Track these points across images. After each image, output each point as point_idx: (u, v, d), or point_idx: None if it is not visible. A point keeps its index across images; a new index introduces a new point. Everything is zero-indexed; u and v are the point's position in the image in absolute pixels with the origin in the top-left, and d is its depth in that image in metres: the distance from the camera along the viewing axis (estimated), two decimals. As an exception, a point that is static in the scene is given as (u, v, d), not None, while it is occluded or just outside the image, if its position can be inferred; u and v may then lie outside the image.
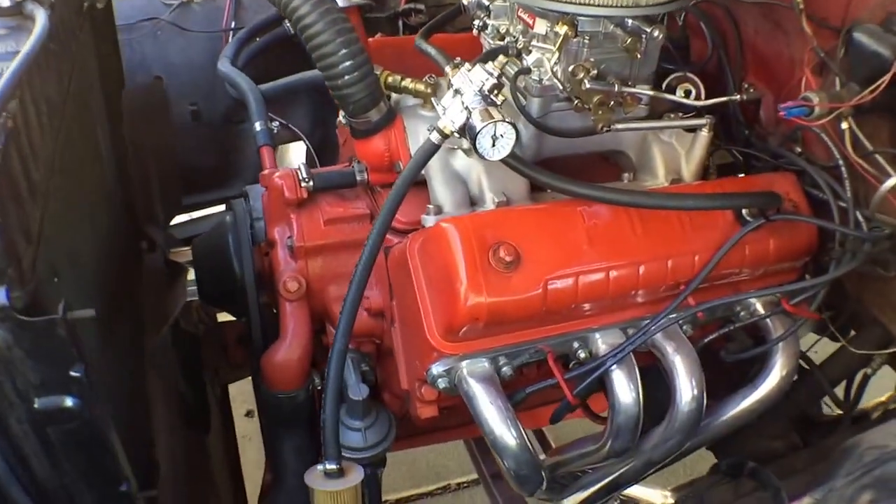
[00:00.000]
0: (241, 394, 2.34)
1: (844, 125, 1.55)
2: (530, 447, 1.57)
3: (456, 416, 1.82)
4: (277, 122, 1.95)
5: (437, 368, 1.59)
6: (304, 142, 2.21)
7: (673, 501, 2.08)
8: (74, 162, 1.63)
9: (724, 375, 1.93)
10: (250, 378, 2.39)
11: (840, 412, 2.03)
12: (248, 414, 3.02)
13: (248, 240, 1.79)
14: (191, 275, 1.86)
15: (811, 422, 1.99)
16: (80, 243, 1.65)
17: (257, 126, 1.96)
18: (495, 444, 1.56)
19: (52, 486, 1.35)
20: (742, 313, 1.77)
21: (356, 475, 1.52)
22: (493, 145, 1.46)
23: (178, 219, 2.38)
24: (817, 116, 1.55)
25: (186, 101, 2.35)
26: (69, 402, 1.26)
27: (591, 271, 1.57)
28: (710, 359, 1.73)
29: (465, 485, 3.10)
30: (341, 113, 1.72)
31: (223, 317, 2.28)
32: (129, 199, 2.04)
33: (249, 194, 1.89)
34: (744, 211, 1.66)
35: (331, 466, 1.50)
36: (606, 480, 1.84)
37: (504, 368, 1.61)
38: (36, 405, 1.25)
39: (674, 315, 1.65)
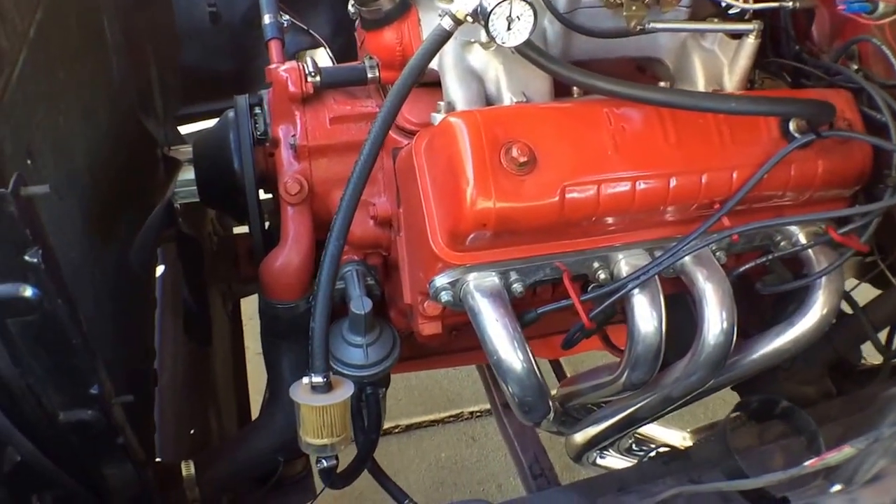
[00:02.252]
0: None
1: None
2: (537, 372, 1.40)
3: (466, 338, 1.67)
4: (288, 17, 1.77)
5: (440, 280, 1.42)
6: (325, 48, 2.03)
7: (691, 443, 1.91)
8: (60, 43, 1.48)
9: (755, 313, 1.75)
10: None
11: (879, 362, 1.83)
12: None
13: (248, 136, 1.62)
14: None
15: (847, 369, 1.78)
16: (70, 132, 1.50)
17: (266, 18, 1.78)
18: (499, 365, 1.39)
19: (16, 385, 1.21)
20: (782, 242, 1.57)
21: (345, 390, 1.36)
22: (509, 28, 1.28)
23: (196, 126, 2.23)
24: (882, 14, 1.33)
25: (205, 3, 2.19)
26: (27, 291, 1.12)
27: (616, 181, 1.37)
28: (743, 294, 1.53)
29: (479, 414, 2.95)
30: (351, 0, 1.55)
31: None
32: (144, 100, 1.89)
33: (264, 97, 1.73)
34: (791, 126, 1.45)
35: (317, 379, 1.35)
36: (621, 416, 1.67)
37: (515, 285, 1.43)
38: (-9, 300, 1.11)
39: (707, 237, 1.46)
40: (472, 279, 1.41)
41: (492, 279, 1.42)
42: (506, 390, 1.42)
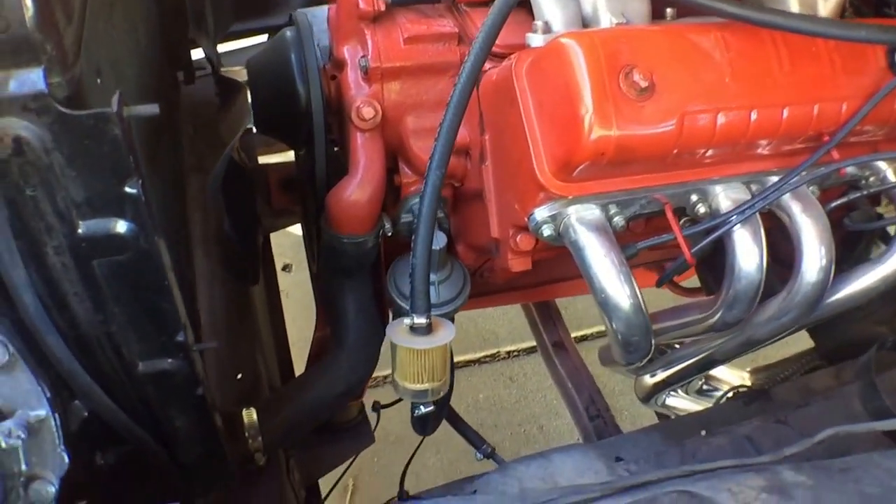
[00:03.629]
0: (277, 246, 2.06)
1: None
2: (645, 310, 1.32)
3: (532, 274, 1.58)
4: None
5: (541, 213, 1.31)
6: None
7: (751, 383, 1.86)
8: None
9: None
10: (287, 229, 2.13)
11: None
12: (286, 268, 2.75)
13: (314, 56, 1.48)
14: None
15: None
16: (120, 48, 1.34)
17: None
18: (606, 303, 1.30)
19: (94, 333, 1.07)
20: (871, 179, 1.51)
21: (446, 332, 1.26)
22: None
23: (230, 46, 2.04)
24: None
25: None
26: (121, 226, 0.98)
27: (732, 108, 1.28)
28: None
29: (516, 353, 2.85)
30: None
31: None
32: (166, 22, 1.71)
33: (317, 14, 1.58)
34: (896, 58, 1.38)
35: (420, 321, 1.24)
36: (698, 357, 1.61)
37: (616, 218, 1.34)
38: (80, 230, 0.96)
39: (814, 171, 1.38)
40: (575, 212, 1.31)
41: (594, 212, 1.32)
42: (609, 328, 1.33)
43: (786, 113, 1.32)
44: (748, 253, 1.36)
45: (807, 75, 1.34)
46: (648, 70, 1.22)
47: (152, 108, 0.92)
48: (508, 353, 2.88)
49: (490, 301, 1.78)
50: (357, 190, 1.46)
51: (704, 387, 1.78)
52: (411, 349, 1.24)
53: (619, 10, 1.37)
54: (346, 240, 1.49)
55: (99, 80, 1.09)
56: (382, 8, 1.45)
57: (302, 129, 1.50)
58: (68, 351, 0.99)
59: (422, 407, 1.36)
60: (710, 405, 1.73)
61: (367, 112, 1.43)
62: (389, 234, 1.51)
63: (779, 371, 1.83)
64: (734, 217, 1.35)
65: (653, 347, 1.37)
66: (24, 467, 0.87)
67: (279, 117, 1.52)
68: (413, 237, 1.25)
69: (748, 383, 1.86)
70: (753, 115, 1.30)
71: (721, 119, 1.28)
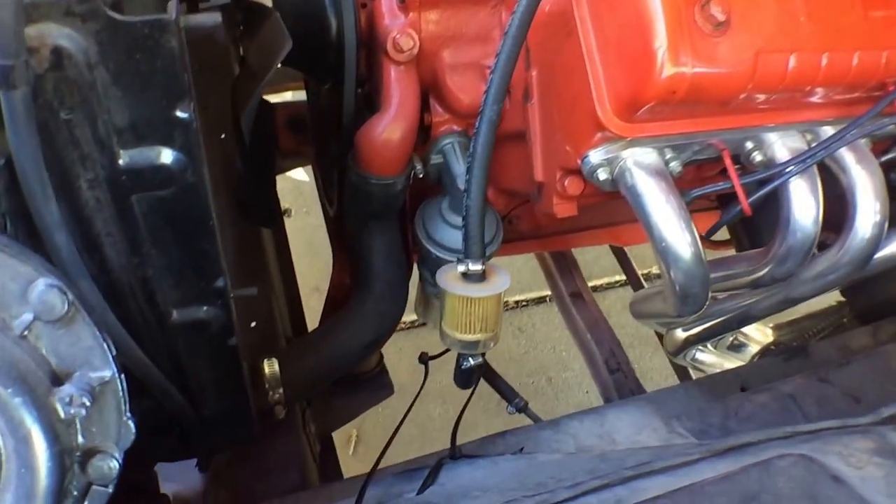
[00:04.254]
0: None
1: None
2: (705, 260, 1.23)
3: (556, 222, 1.48)
4: None
5: (596, 155, 1.21)
6: None
7: (773, 339, 1.80)
8: None
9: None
10: (286, 174, 1.99)
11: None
12: (285, 213, 2.60)
13: (349, -20, 1.34)
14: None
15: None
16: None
17: None
18: (666, 251, 1.21)
19: (127, 279, 0.95)
20: (921, 137, 1.44)
21: (501, 281, 1.16)
22: None
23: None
24: None
25: None
26: (167, 157, 0.85)
27: (805, 50, 1.19)
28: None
29: (524, 304, 2.74)
30: None
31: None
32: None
33: None
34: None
35: (474, 267, 1.13)
36: (735, 312, 1.53)
37: (672, 163, 1.24)
38: (121, 161, 0.83)
39: (877, 121, 1.30)
40: (632, 155, 1.21)
41: (652, 155, 1.22)
42: (667, 279, 1.24)
43: (856, 59, 1.23)
44: (805, 205, 1.28)
45: (880, 20, 1.24)
46: (726, 2, 1.12)
47: (214, 17, 0.79)
48: (517, 302, 2.77)
49: (515, 249, 1.68)
50: (389, 128, 1.34)
51: (735, 342, 1.72)
52: (464, 297, 1.14)
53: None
54: (374, 181, 1.37)
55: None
56: (422, -72, 1.32)
57: (330, 62, 1.36)
58: (102, 298, 0.87)
59: (470, 359, 1.26)
60: (740, 362, 1.66)
61: (406, 43, 1.30)
62: (420, 175, 1.40)
63: (804, 327, 1.77)
64: (792, 167, 1.27)
65: (708, 299, 1.29)
66: (81, 439, 0.74)
67: (306, 48, 1.38)
68: (467, 177, 1.14)
69: (772, 339, 1.80)
70: (824, 60, 1.21)
71: (793, 62, 1.18)
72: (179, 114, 0.81)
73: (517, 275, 2.71)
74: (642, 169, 1.21)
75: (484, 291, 1.14)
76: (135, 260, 0.92)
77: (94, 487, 0.77)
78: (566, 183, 1.28)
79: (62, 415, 0.70)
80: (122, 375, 0.77)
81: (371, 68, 1.39)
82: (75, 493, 0.75)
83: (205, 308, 1.04)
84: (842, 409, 1.38)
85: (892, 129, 1.36)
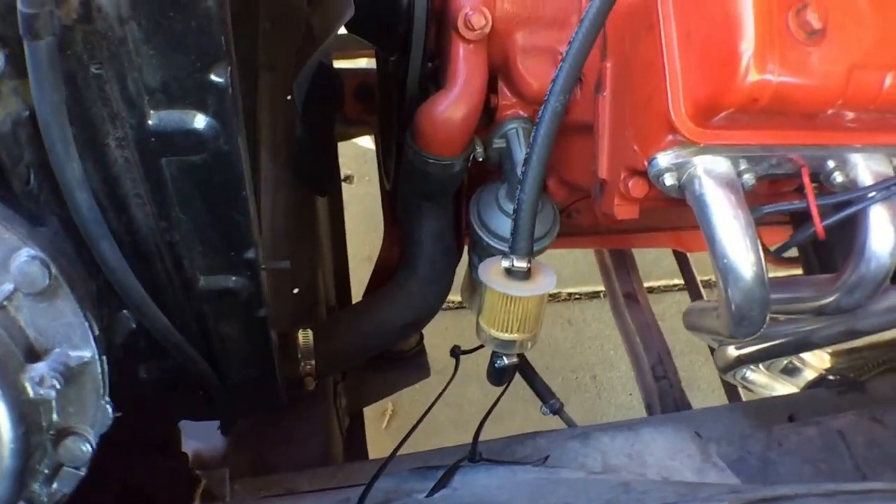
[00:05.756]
0: (340, 157, 1.86)
1: None
2: (767, 282, 1.12)
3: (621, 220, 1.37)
4: None
5: (665, 158, 1.10)
6: None
7: (830, 365, 1.67)
8: None
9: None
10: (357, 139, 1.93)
11: None
12: (346, 179, 2.54)
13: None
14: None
15: None
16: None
17: None
18: (727, 269, 1.10)
19: (154, 242, 0.88)
20: None
21: (547, 280, 1.07)
22: None
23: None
24: None
25: None
26: (200, 121, 0.78)
27: (905, 68, 1.06)
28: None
29: (578, 297, 2.62)
30: None
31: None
32: None
33: None
34: None
35: (520, 264, 1.05)
36: (796, 337, 1.41)
37: (746, 175, 1.13)
38: (150, 122, 0.76)
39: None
40: (702, 163, 1.10)
41: (724, 164, 1.11)
42: (724, 297, 1.13)
43: (965, 81, 1.10)
44: (883, 234, 1.16)
45: None
46: (823, 9, 1.00)
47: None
48: (570, 294, 2.64)
49: (571, 243, 1.58)
50: (452, 107, 1.25)
51: (790, 366, 1.59)
52: (505, 295, 1.05)
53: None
54: (432, 160, 1.29)
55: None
56: None
57: (399, 33, 1.28)
58: (123, 259, 0.81)
59: (504, 358, 1.17)
60: (793, 386, 1.54)
61: (477, 20, 1.21)
62: (480, 159, 1.31)
63: (866, 358, 1.63)
64: (874, 193, 1.14)
65: (766, 323, 1.18)
66: (55, 418, 0.69)
67: (374, 17, 1.30)
68: (523, 168, 1.05)
69: (828, 365, 1.67)
70: (924, 79, 1.07)
71: (889, 80, 1.05)
72: (214, 78, 0.74)
73: (574, 266, 2.58)
74: (712, 178, 1.10)
75: (527, 291, 1.05)
76: (163, 224, 0.86)
77: (65, 468, 0.71)
78: (630, 184, 1.18)
79: (31, 394, 0.64)
80: (104, 357, 0.71)
81: (440, 43, 1.30)
82: (46, 471, 0.70)
83: (233, 278, 0.98)
84: (892, 453, 1.26)
85: None
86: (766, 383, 1.61)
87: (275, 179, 1.55)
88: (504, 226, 1.32)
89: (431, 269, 1.36)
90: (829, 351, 1.72)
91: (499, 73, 1.32)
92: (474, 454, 1.05)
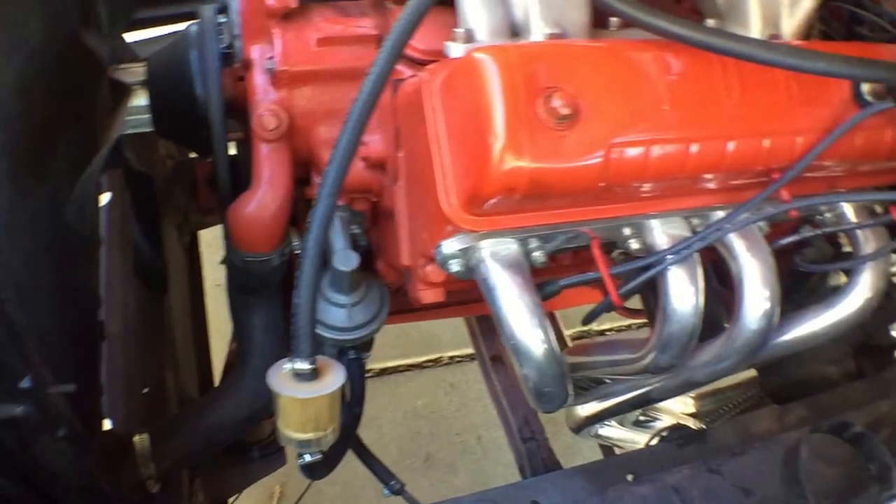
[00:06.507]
0: (217, 238, 1.85)
1: None
2: (560, 358, 1.12)
3: (462, 292, 1.37)
4: None
5: (449, 246, 1.11)
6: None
7: (695, 409, 1.67)
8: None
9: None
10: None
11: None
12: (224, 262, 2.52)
13: (216, 55, 1.26)
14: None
15: (869, 348, 1.55)
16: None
17: None
18: (517, 349, 1.10)
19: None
20: (828, 215, 1.31)
21: (335, 378, 1.07)
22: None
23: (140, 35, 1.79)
24: None
25: None
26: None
27: (669, 141, 1.07)
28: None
29: (459, 359, 2.60)
30: None
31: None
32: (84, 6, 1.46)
33: (230, 5, 1.35)
34: (864, 88, 1.17)
35: (302, 366, 1.05)
36: (634, 394, 1.42)
37: (535, 253, 1.14)
38: None
39: (760, 210, 1.18)
40: (488, 246, 1.11)
41: (510, 247, 1.12)
42: (520, 375, 1.14)
43: (731, 146, 1.11)
44: (683, 295, 1.17)
45: (759, 105, 1.13)
46: (573, 94, 1.01)
47: None
48: (451, 358, 2.65)
49: (423, 316, 1.59)
50: (259, 205, 1.26)
51: (641, 418, 1.60)
52: (292, 398, 1.05)
53: (553, 19, 1.15)
54: (249, 258, 1.29)
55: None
56: (293, 5, 1.23)
57: (202, 136, 1.29)
58: None
59: (307, 456, 1.17)
60: (649, 437, 1.54)
61: (270, 122, 1.22)
62: (298, 252, 1.31)
63: (728, 397, 1.64)
64: (669, 256, 1.15)
65: (569, 396, 1.18)
66: None
67: (178, 122, 1.31)
68: (297, 273, 1.05)
69: (693, 410, 1.67)
70: (694, 148, 1.09)
71: (656, 152, 1.07)
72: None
73: (453, 329, 2.58)
74: (497, 262, 1.11)
75: (314, 392, 1.05)
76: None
77: None
78: (428, 270, 1.18)
79: None
80: None
81: (246, 143, 1.32)
82: None
83: (19, 407, 0.97)
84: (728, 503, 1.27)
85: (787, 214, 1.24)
86: (624, 437, 1.61)
87: (126, 278, 1.54)
88: (332, 315, 1.30)
89: (264, 362, 1.35)
90: (693, 395, 1.73)
91: (310, 165, 1.33)
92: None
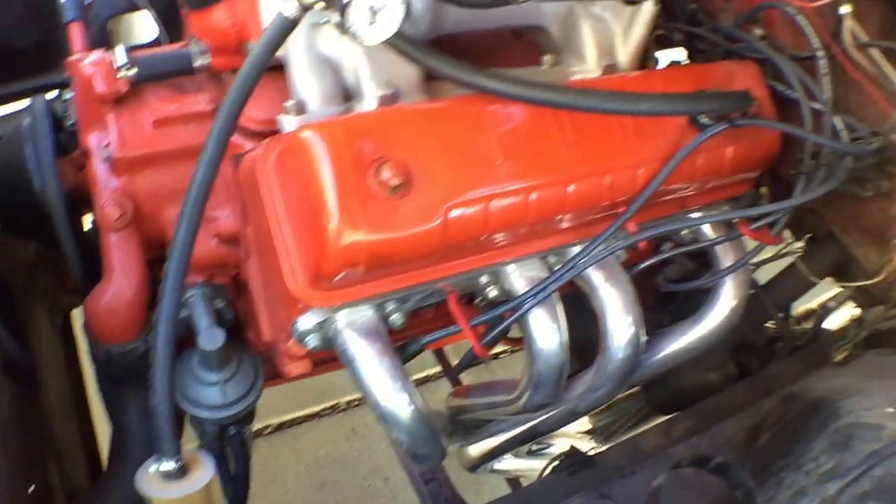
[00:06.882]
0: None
1: (846, 7, 1.07)
2: (428, 418, 1.11)
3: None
4: (96, -14, 1.34)
5: (305, 322, 1.10)
6: (149, 10, 1.58)
7: (592, 426, 1.69)
8: None
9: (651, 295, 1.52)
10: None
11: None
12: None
13: (49, 149, 1.22)
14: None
15: (748, 346, 1.59)
16: None
17: (60, -9, 1.33)
18: (384, 416, 1.10)
19: None
20: (683, 232, 1.34)
21: (204, 471, 1.04)
22: (372, 22, 0.94)
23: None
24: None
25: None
26: None
27: (507, 194, 1.08)
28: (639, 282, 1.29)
29: (356, 403, 2.56)
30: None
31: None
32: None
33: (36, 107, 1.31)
34: (701, 112, 1.19)
35: (168, 466, 1.02)
36: (522, 429, 1.43)
37: (393, 316, 1.13)
38: None
39: (611, 244, 1.20)
40: (343, 317, 1.10)
41: (366, 314, 1.11)
42: (392, 440, 1.13)
43: (572, 189, 1.13)
44: (546, 335, 1.18)
45: (594, 144, 1.14)
46: (404, 162, 1.01)
47: None
48: (348, 402, 2.60)
49: (313, 373, 1.55)
50: (114, 296, 1.22)
51: (535, 446, 1.61)
52: (163, 500, 1.02)
53: (384, 79, 1.14)
54: (114, 350, 1.25)
55: None
56: (125, 89, 1.20)
57: (47, 230, 1.24)
58: None
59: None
60: (545, 462, 1.55)
61: (113, 212, 1.18)
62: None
63: (623, 409, 1.67)
64: (527, 301, 1.16)
65: (445, 453, 1.18)
66: None
67: (20, 217, 1.27)
68: (151, 372, 1.02)
69: (590, 426, 1.69)
70: (533, 196, 1.10)
71: (495, 206, 1.07)
72: None
73: (346, 374, 2.51)
74: (354, 331, 1.10)
75: (182, 490, 1.02)
76: None
77: None
78: (289, 344, 1.16)
79: None
80: None
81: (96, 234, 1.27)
82: None
83: None
84: (622, 529, 1.28)
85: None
86: (521, 466, 1.62)
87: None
88: (205, 394, 1.27)
89: (141, 450, 1.32)
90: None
91: (164, 245, 1.29)
92: None
